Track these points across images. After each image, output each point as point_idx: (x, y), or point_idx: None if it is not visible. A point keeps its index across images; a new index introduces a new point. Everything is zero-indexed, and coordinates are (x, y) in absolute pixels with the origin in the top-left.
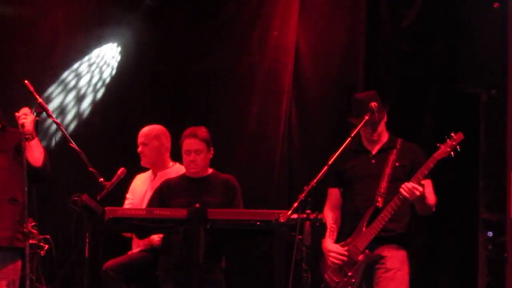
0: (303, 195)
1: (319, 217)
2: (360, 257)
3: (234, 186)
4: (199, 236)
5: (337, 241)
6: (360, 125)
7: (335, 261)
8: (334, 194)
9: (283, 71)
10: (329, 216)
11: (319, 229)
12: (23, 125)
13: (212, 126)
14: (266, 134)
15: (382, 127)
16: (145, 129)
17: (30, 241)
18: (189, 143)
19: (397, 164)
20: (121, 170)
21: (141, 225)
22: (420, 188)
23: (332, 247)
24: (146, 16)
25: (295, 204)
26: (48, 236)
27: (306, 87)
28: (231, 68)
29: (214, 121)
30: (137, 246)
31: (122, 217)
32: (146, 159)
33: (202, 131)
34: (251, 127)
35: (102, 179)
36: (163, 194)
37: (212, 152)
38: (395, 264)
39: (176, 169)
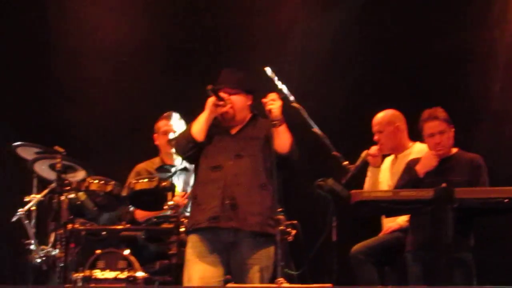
0: None
1: None
2: None
3: (480, 165)
4: (447, 216)
5: None
6: None
7: None
8: None
9: None
10: None
11: None
12: (270, 111)
13: (454, 104)
14: (510, 111)
15: None
16: (378, 117)
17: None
18: (431, 126)
19: None
20: (365, 153)
21: (388, 207)
22: None
23: None
24: None
25: None
26: (295, 222)
27: None
28: (471, 45)
29: (456, 99)
30: (388, 228)
31: (368, 199)
32: (384, 146)
33: (441, 111)
34: (494, 104)
35: (346, 162)
36: (410, 170)
37: (453, 130)
38: None
39: (416, 149)
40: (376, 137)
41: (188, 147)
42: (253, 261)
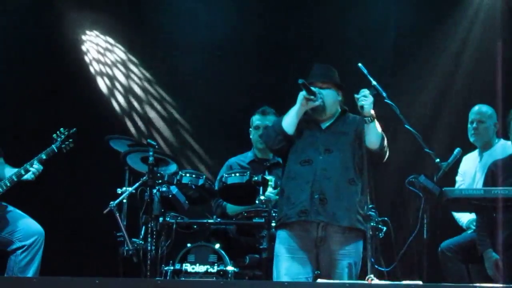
0: None
1: None
2: None
3: None
4: None
5: None
6: None
7: None
8: None
9: None
10: None
11: None
12: (362, 107)
13: None
14: None
15: None
16: (483, 107)
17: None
18: None
19: None
20: (457, 150)
21: (479, 204)
22: None
23: None
24: None
25: None
26: (385, 218)
27: None
28: None
29: None
30: None
31: (459, 197)
32: (479, 136)
33: None
34: None
35: (438, 159)
36: (493, 175)
37: None
38: None
39: (499, 146)
40: (474, 126)
41: (278, 140)
42: (341, 256)
